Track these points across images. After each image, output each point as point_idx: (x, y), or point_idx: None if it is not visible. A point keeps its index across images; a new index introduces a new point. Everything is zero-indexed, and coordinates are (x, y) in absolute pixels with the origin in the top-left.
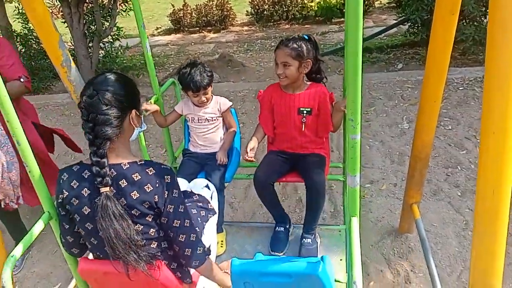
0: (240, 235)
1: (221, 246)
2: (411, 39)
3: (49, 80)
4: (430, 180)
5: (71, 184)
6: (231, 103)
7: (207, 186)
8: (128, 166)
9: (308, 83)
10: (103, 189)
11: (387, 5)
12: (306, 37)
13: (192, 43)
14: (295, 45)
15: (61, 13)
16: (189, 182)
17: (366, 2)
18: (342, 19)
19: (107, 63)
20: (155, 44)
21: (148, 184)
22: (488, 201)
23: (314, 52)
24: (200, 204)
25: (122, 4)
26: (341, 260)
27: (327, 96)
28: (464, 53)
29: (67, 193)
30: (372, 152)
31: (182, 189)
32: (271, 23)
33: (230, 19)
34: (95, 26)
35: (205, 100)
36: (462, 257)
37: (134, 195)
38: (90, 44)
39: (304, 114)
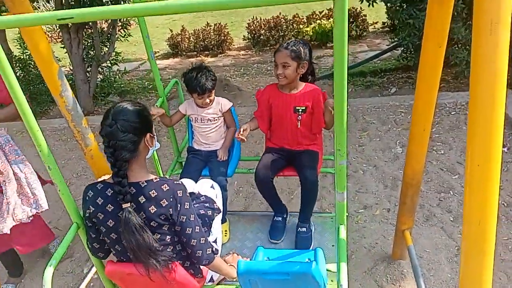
0: (241, 224)
1: (225, 235)
2: (404, 63)
3: (47, 104)
4: (422, 205)
5: (97, 201)
6: (231, 104)
7: (212, 187)
8: (146, 184)
9: (303, 84)
10: (125, 205)
11: (380, 29)
12: (302, 42)
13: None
14: (294, 48)
15: (60, 38)
16: (194, 178)
17: (360, 26)
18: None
19: (105, 88)
20: None
21: (164, 199)
22: (474, 232)
23: (309, 55)
24: (207, 204)
25: (121, 30)
26: (333, 246)
27: (320, 95)
28: (456, 77)
29: (93, 209)
30: (366, 177)
31: (189, 190)
32: (268, 48)
33: (227, 43)
34: (94, 51)
35: (209, 102)
36: (455, 283)
37: (152, 209)
38: (89, 69)
39: (300, 112)
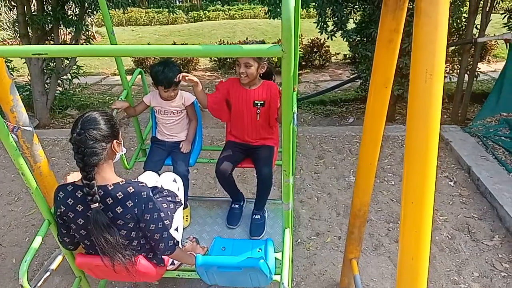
0: (201, 209)
1: (186, 220)
2: (363, 95)
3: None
4: (372, 234)
5: (67, 201)
6: (194, 98)
7: (174, 180)
8: (113, 187)
9: (261, 81)
10: (93, 206)
11: (342, 61)
12: (259, 41)
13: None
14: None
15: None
16: (157, 167)
17: (324, 56)
18: (300, 71)
19: (63, 100)
20: (116, 83)
21: (129, 200)
22: (408, 267)
23: (268, 58)
24: (169, 198)
25: (85, 43)
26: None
27: (277, 90)
28: None
29: (64, 208)
30: (319, 204)
31: (153, 184)
32: (233, 71)
33: (194, 64)
34: (54, 63)
35: (173, 95)
36: None
37: (119, 209)
38: (48, 81)
39: (258, 106)
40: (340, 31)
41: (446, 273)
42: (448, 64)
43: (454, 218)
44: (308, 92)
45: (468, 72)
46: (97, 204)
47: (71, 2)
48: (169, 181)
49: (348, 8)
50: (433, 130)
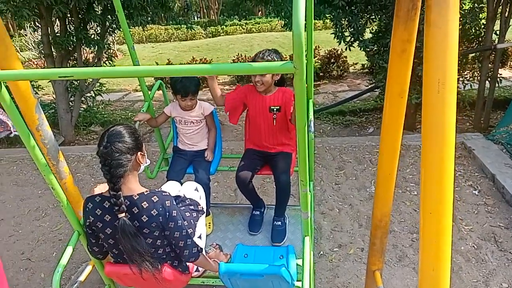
0: (223, 216)
1: (209, 227)
2: (382, 104)
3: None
4: (396, 245)
5: (95, 212)
6: (213, 107)
7: (196, 189)
8: (138, 197)
9: (276, 88)
10: (120, 215)
11: (360, 70)
12: (272, 50)
13: (174, 100)
14: (269, 58)
15: (44, 66)
16: (180, 176)
17: (341, 67)
18: (318, 82)
19: (87, 117)
20: (137, 100)
21: (154, 209)
22: (429, 279)
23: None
24: (192, 207)
25: (106, 62)
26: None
27: (291, 95)
28: None
29: (93, 219)
30: (341, 215)
31: (176, 193)
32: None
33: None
34: (78, 82)
35: (190, 105)
36: None
37: (144, 218)
38: (72, 98)
39: (274, 111)
40: (357, 41)
41: (473, 284)
42: (468, 71)
43: (479, 228)
44: (327, 102)
45: (489, 79)
46: (124, 214)
47: (92, 22)
48: (191, 190)
49: (363, 19)
50: (449, 140)
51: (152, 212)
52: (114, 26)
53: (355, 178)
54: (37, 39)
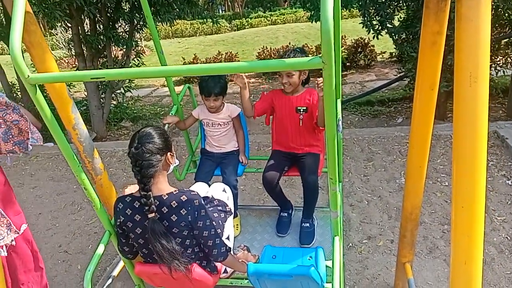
0: (251, 218)
1: (237, 229)
2: (411, 93)
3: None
4: (426, 237)
5: (126, 211)
6: (240, 109)
7: (224, 190)
8: (167, 196)
9: (304, 88)
10: (150, 215)
11: (388, 59)
12: (298, 48)
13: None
14: (295, 58)
15: (75, 65)
16: (208, 177)
17: (369, 56)
18: (345, 72)
19: (118, 113)
20: (166, 95)
21: (183, 209)
22: (461, 272)
23: None
24: (220, 208)
25: (135, 58)
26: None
27: (317, 97)
28: None
29: (123, 218)
30: (370, 207)
31: (204, 194)
32: (277, 76)
33: None
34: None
35: (214, 106)
36: None
37: (173, 218)
38: (103, 95)
39: (301, 112)
40: (385, 30)
41: (506, 276)
42: (501, 57)
43: None
44: (354, 93)
45: None
46: (153, 214)
47: (121, 20)
48: (219, 191)
49: (391, 7)
50: (481, 133)
51: (181, 211)
52: (142, 23)
53: (384, 170)
54: (68, 37)
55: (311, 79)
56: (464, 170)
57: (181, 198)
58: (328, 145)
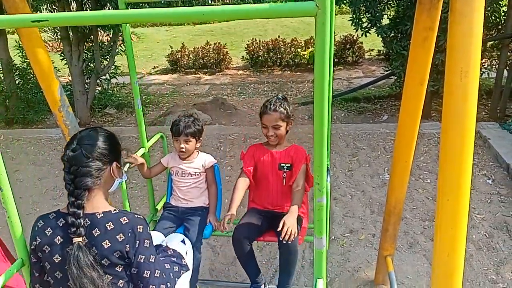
0: None
1: None
2: (397, 91)
3: (44, 113)
4: (407, 232)
5: (45, 231)
6: (215, 161)
7: (183, 241)
8: (103, 215)
9: (290, 143)
10: (75, 239)
11: (376, 57)
12: (281, 97)
13: (188, 84)
14: (282, 109)
15: (60, 49)
16: (166, 236)
17: (357, 53)
18: (334, 68)
19: (102, 100)
20: (152, 83)
21: (121, 234)
22: (443, 264)
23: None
24: (174, 259)
25: (122, 44)
26: None
27: (303, 154)
28: None
29: (40, 240)
30: (353, 201)
31: (156, 243)
32: (265, 69)
33: (226, 62)
34: (94, 64)
35: (184, 149)
36: None
37: (106, 244)
38: (88, 81)
39: (285, 170)
40: (374, 27)
41: (483, 272)
42: (486, 59)
43: (492, 217)
44: (341, 89)
45: (507, 68)
46: (80, 239)
47: (108, 4)
48: (177, 241)
49: (382, 4)
50: (469, 128)
51: (117, 236)
52: (130, 9)
53: (368, 165)
54: None
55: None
56: (451, 163)
57: (120, 219)
58: (315, 136)
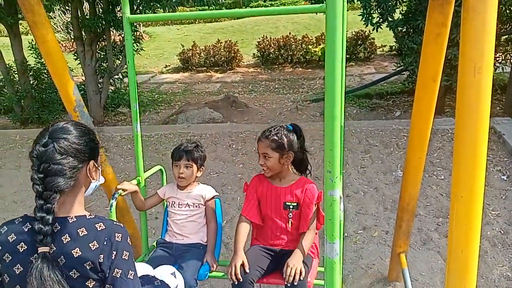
0: None
1: None
2: (410, 87)
3: (58, 113)
4: (421, 229)
5: (8, 237)
6: (217, 194)
7: (173, 274)
8: (75, 220)
9: (297, 176)
10: (41, 249)
11: (388, 53)
12: (290, 127)
13: (199, 82)
14: (275, 137)
15: (73, 48)
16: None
17: (368, 49)
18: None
19: (115, 99)
20: (163, 82)
21: (95, 241)
22: (457, 260)
23: (298, 142)
24: None
25: (134, 44)
26: None
27: (313, 192)
28: None
29: (0, 247)
30: (366, 198)
31: (143, 273)
32: (276, 66)
33: (237, 60)
34: (107, 64)
35: (183, 175)
36: None
37: (76, 252)
38: (101, 80)
39: (291, 209)
40: (386, 22)
41: (498, 269)
42: (500, 54)
43: (507, 213)
44: (353, 85)
45: None
46: (47, 248)
47: (121, 4)
48: (167, 273)
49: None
50: (483, 124)
51: (90, 244)
52: (142, 8)
53: (381, 162)
54: (66, 21)
55: None
56: (465, 160)
57: (95, 225)
58: (326, 111)
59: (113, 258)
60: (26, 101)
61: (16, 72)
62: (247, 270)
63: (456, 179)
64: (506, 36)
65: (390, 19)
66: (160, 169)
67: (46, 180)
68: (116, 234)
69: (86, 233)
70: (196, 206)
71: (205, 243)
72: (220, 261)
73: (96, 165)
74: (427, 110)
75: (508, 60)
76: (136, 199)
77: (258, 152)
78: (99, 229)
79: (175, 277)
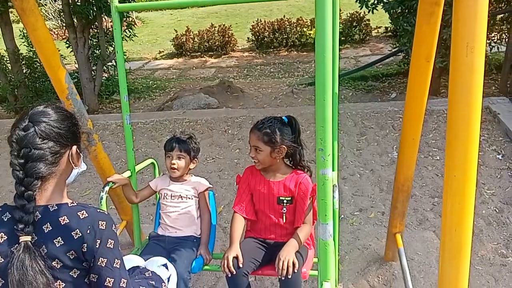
0: None
1: None
2: (405, 68)
3: (52, 102)
4: (416, 209)
5: None
6: (211, 186)
7: (165, 266)
8: (56, 208)
9: (290, 169)
10: (22, 238)
11: (383, 34)
12: (285, 119)
13: (193, 68)
14: (267, 130)
15: (65, 36)
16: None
17: (364, 30)
18: (340, 46)
19: (109, 86)
20: (157, 68)
21: (77, 230)
22: (451, 239)
23: (292, 136)
24: (152, 282)
25: (126, 30)
26: None
27: (308, 185)
28: None
29: None
30: (362, 180)
31: (134, 264)
32: (271, 50)
33: (231, 45)
34: (99, 51)
35: (175, 166)
36: None
37: (58, 242)
38: (94, 68)
39: (285, 204)
40: (381, 4)
41: (493, 247)
42: (495, 33)
43: (502, 192)
44: (349, 68)
45: None
46: (29, 237)
47: None
48: (158, 264)
49: None
50: (475, 103)
51: (72, 233)
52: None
53: (377, 144)
54: (57, 8)
55: None
56: (458, 139)
57: (78, 213)
58: (316, 90)
59: (97, 247)
60: (20, 91)
61: (9, 62)
62: (241, 264)
63: (449, 158)
64: (502, 15)
65: (385, 0)
66: (152, 163)
67: (27, 166)
68: (100, 222)
69: (68, 221)
70: (189, 198)
71: (199, 236)
72: (214, 254)
73: (79, 151)
74: (421, 90)
75: (504, 40)
76: (127, 191)
77: (249, 144)
78: (81, 217)
79: (167, 268)
